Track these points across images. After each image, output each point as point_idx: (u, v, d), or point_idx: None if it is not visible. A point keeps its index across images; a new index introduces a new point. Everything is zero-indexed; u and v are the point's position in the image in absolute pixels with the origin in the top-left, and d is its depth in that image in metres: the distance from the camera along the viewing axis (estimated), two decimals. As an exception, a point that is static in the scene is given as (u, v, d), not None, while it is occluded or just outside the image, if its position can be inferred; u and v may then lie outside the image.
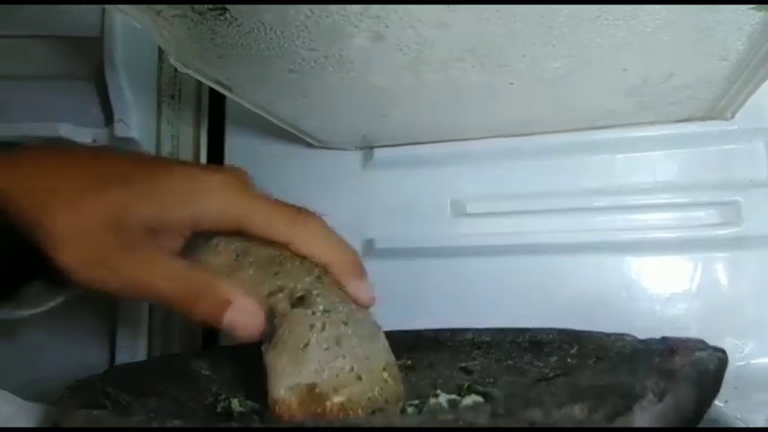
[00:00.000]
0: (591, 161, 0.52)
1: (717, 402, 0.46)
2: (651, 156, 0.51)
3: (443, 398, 0.36)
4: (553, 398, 0.21)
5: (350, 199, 0.56)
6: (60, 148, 0.37)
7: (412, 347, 0.42)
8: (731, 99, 0.44)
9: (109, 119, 0.58)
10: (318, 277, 0.33)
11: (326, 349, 0.30)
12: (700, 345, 0.29)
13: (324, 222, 0.34)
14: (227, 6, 0.31)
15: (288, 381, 0.30)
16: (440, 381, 0.40)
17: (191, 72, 0.38)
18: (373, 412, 0.30)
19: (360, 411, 0.30)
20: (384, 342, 0.33)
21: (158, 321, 0.59)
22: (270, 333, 0.31)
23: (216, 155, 0.60)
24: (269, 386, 0.31)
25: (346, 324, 0.32)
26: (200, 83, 0.43)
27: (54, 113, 0.59)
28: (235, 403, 0.36)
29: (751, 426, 0.44)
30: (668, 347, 0.30)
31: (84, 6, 0.56)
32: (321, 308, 0.31)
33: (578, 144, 0.51)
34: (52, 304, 0.44)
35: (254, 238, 0.33)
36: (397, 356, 0.42)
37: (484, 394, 0.36)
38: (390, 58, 0.37)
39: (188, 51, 0.36)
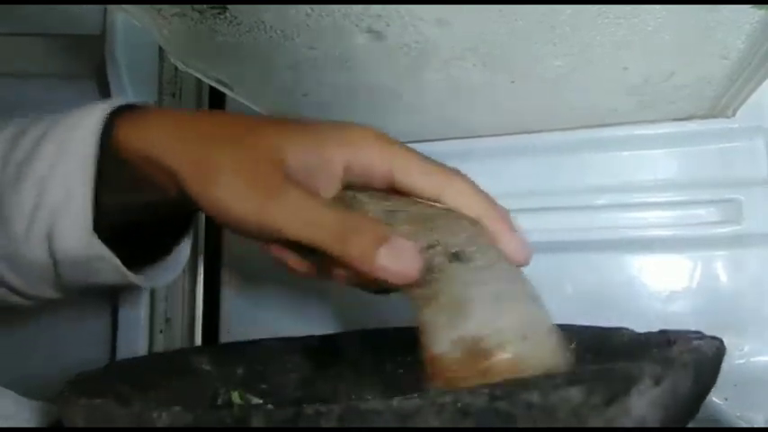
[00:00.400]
0: (592, 159, 0.52)
1: (717, 400, 0.46)
2: (652, 154, 0.51)
3: None
4: (551, 380, 0.21)
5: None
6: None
7: (412, 344, 0.42)
8: (732, 97, 0.44)
9: (110, 117, 0.58)
10: (474, 234, 0.31)
11: (489, 305, 0.28)
12: (697, 335, 0.29)
13: (471, 180, 0.33)
14: (227, 5, 0.31)
15: (450, 334, 0.27)
16: None
17: (191, 71, 0.38)
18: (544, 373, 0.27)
19: (530, 371, 0.27)
20: (544, 306, 0.30)
21: (159, 318, 0.59)
22: (427, 288, 0.29)
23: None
24: (426, 343, 0.28)
25: (507, 281, 0.30)
26: (200, 81, 0.43)
27: (55, 111, 0.59)
28: (235, 396, 0.36)
29: (752, 425, 0.44)
30: (666, 339, 0.30)
31: (86, 5, 0.56)
32: (480, 263, 0.29)
33: (579, 142, 0.51)
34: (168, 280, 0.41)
35: (401, 195, 0.32)
36: (397, 353, 0.42)
37: None
38: (391, 57, 0.37)
39: (188, 50, 0.36)
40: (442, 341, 0.28)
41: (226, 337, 0.58)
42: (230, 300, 0.58)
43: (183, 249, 0.41)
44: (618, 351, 0.33)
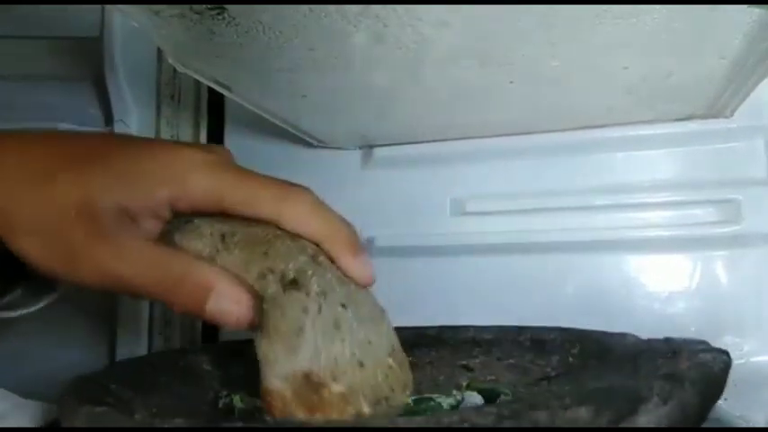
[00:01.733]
0: (590, 160, 0.52)
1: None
2: (651, 154, 0.51)
3: (444, 400, 0.36)
4: (559, 400, 0.21)
5: (350, 198, 0.56)
6: (23, 133, 0.33)
7: (413, 345, 0.42)
8: (730, 97, 0.44)
9: (108, 119, 0.58)
10: (313, 256, 0.29)
11: (323, 333, 0.27)
12: (703, 346, 0.29)
13: (315, 196, 0.31)
14: (226, 6, 0.31)
15: (282, 369, 0.27)
16: (441, 378, 0.40)
17: (189, 72, 0.38)
18: (378, 402, 0.28)
19: (362, 401, 0.27)
20: (388, 325, 0.30)
21: (159, 319, 0.59)
22: (261, 320, 0.28)
23: (215, 154, 0.60)
24: (261, 377, 0.28)
25: (345, 306, 0.29)
26: (199, 82, 0.43)
27: (53, 113, 0.59)
28: (236, 400, 0.36)
29: (751, 424, 0.44)
30: (672, 349, 0.30)
31: (84, 6, 0.56)
32: (316, 289, 0.28)
33: (578, 142, 0.51)
34: (34, 309, 0.41)
35: (238, 219, 0.30)
36: None
37: (490, 391, 0.36)
38: (390, 58, 0.37)
39: (187, 51, 0.36)
40: (274, 376, 0.27)
41: (226, 338, 0.58)
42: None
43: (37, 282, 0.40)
44: (622, 359, 0.33)
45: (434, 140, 0.53)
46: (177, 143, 0.46)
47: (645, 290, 0.51)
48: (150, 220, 0.30)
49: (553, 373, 0.37)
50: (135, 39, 0.56)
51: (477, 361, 0.40)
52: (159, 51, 0.59)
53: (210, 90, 0.47)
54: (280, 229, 0.30)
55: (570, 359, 0.37)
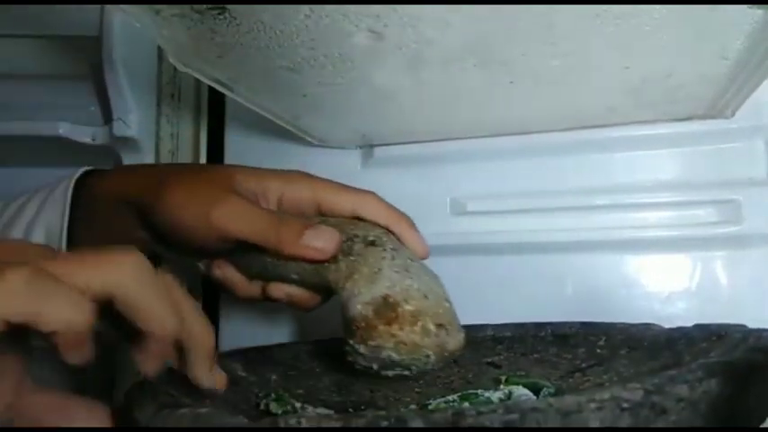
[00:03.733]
0: (591, 160, 0.52)
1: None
2: (651, 154, 0.51)
3: (492, 394, 0.36)
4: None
5: (350, 198, 0.56)
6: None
7: None
8: (731, 97, 0.44)
9: (108, 118, 0.58)
10: (386, 232, 0.39)
11: (396, 272, 0.35)
12: (742, 328, 0.30)
13: (380, 197, 0.41)
14: (227, 6, 0.31)
15: (364, 297, 0.34)
16: (470, 376, 0.40)
17: (190, 71, 0.38)
18: (440, 326, 0.34)
19: (428, 320, 0.34)
20: (442, 285, 0.37)
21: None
22: (346, 270, 0.36)
23: (216, 154, 0.60)
24: (346, 311, 0.35)
25: (412, 260, 0.37)
26: (199, 81, 0.43)
27: (53, 112, 0.59)
28: (273, 406, 0.36)
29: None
30: (713, 333, 0.31)
31: (84, 5, 0.56)
32: (390, 246, 0.37)
33: (578, 143, 0.51)
34: None
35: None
36: None
37: (531, 384, 0.36)
38: (390, 58, 0.37)
39: (187, 51, 0.36)
40: (357, 304, 0.34)
41: (225, 337, 0.58)
42: (230, 303, 0.58)
43: None
44: (655, 346, 0.34)
45: (435, 140, 0.53)
46: None
47: (645, 290, 0.51)
48: (264, 203, 0.41)
49: (584, 365, 0.37)
50: (135, 37, 0.56)
51: (502, 357, 0.40)
52: (160, 50, 0.59)
53: (211, 89, 0.47)
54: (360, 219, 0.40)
55: (597, 350, 0.37)
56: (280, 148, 0.57)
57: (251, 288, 0.42)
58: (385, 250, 0.36)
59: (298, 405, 0.36)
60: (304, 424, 0.22)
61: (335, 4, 0.30)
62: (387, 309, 0.34)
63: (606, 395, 0.21)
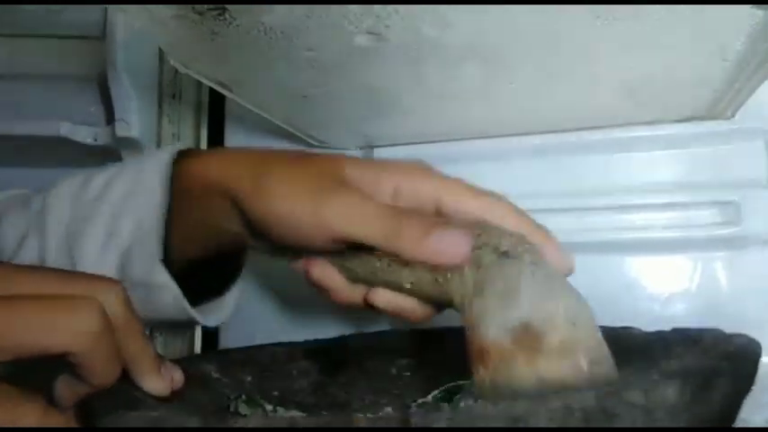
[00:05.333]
0: (590, 161, 0.52)
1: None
2: (651, 155, 0.51)
3: None
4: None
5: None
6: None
7: (415, 346, 0.42)
8: (731, 99, 0.44)
9: (110, 118, 0.58)
10: (521, 240, 0.32)
11: (538, 293, 0.29)
12: (718, 332, 0.30)
13: (511, 202, 0.35)
14: (227, 6, 0.31)
15: (498, 321, 0.28)
16: (447, 378, 0.40)
17: (190, 72, 0.38)
18: (592, 363, 0.28)
19: (579, 355, 0.27)
20: (589, 307, 0.31)
21: (159, 326, 0.59)
22: (475, 286, 0.30)
23: (216, 154, 0.60)
24: (475, 335, 0.29)
25: (554, 278, 0.30)
26: (200, 83, 0.43)
27: (55, 112, 0.59)
28: (242, 407, 0.35)
29: (751, 424, 0.44)
30: (690, 337, 0.30)
31: (87, 6, 0.56)
32: (528, 258, 0.30)
33: (578, 143, 0.51)
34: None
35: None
36: (401, 356, 0.42)
37: None
38: (390, 59, 0.37)
39: (188, 52, 0.36)
40: (492, 329, 0.28)
41: (225, 339, 0.58)
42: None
43: (234, 292, 0.43)
44: (633, 350, 0.33)
45: (435, 141, 0.53)
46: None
47: (645, 291, 0.51)
48: (379, 196, 0.35)
49: None
50: (137, 38, 0.56)
51: None
52: (161, 51, 0.59)
53: (211, 90, 0.47)
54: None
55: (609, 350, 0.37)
56: (280, 148, 0.57)
57: (352, 293, 0.36)
58: (523, 263, 0.30)
59: (269, 407, 0.35)
60: (251, 424, 0.22)
61: (336, 4, 0.31)
62: (529, 338, 0.27)
63: (557, 400, 0.21)
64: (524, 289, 0.29)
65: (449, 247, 0.30)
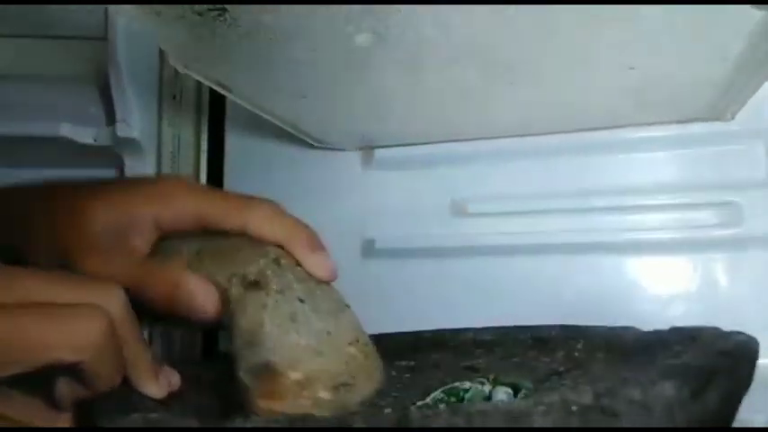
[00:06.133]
0: (591, 161, 0.52)
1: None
2: (651, 156, 0.51)
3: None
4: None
5: (350, 199, 0.56)
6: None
7: (413, 349, 0.42)
8: (731, 100, 0.44)
9: (110, 119, 0.58)
10: (275, 259, 0.32)
11: (279, 326, 0.29)
12: (717, 330, 0.30)
13: (276, 205, 0.34)
14: (227, 7, 0.31)
15: (246, 363, 0.29)
16: (448, 379, 0.40)
17: (190, 73, 0.38)
18: (336, 388, 0.29)
19: (319, 387, 0.29)
20: (351, 318, 0.32)
21: (158, 330, 0.58)
22: (229, 321, 0.31)
23: (216, 155, 0.60)
24: (233, 372, 0.30)
25: (302, 301, 0.31)
26: (200, 83, 0.43)
27: (55, 113, 0.59)
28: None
29: (751, 425, 0.44)
30: (686, 335, 0.30)
31: (88, 7, 0.56)
32: (275, 287, 0.31)
33: (578, 144, 0.51)
34: None
35: (213, 233, 0.34)
36: (400, 358, 0.42)
37: (511, 385, 0.36)
38: (390, 59, 0.37)
39: (188, 52, 0.36)
40: (240, 370, 0.29)
41: (225, 343, 0.58)
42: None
43: None
44: (631, 350, 0.34)
45: (435, 141, 0.53)
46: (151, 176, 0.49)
47: (645, 292, 0.51)
48: (141, 238, 0.34)
49: (561, 369, 0.37)
50: (138, 39, 0.56)
51: (481, 361, 0.40)
52: (161, 52, 0.59)
53: (212, 90, 0.47)
54: (248, 237, 0.33)
55: (576, 354, 0.37)
56: (280, 149, 0.57)
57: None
58: (268, 294, 0.30)
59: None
60: (249, 425, 0.22)
61: (336, 4, 0.31)
62: (268, 380, 0.28)
63: (555, 398, 0.21)
64: (267, 325, 0.29)
65: (196, 305, 0.32)
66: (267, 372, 0.28)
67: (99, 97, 0.59)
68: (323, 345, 0.30)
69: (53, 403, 0.30)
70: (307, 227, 0.34)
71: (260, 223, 0.33)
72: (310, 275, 0.32)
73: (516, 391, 0.35)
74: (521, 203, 0.52)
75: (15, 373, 0.26)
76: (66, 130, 0.58)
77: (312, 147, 0.55)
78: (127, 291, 0.31)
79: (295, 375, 0.28)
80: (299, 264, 0.33)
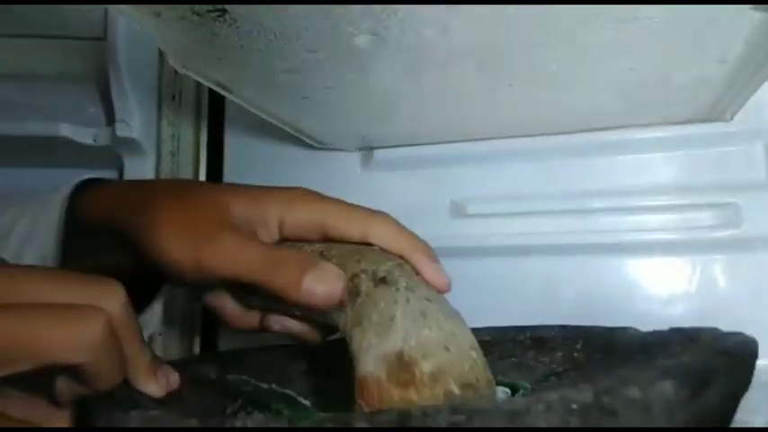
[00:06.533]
0: (590, 163, 0.52)
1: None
2: (650, 157, 0.51)
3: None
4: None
5: (350, 200, 0.55)
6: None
7: None
8: (730, 101, 0.44)
9: (110, 119, 0.58)
10: (398, 264, 0.33)
11: (412, 320, 0.30)
12: (716, 331, 0.30)
13: (395, 219, 0.36)
14: (227, 8, 0.31)
15: (375, 353, 0.29)
16: None
17: (190, 74, 0.38)
18: (465, 387, 0.29)
19: (451, 381, 0.28)
20: (466, 326, 0.32)
21: (158, 329, 0.58)
22: (354, 315, 0.31)
23: (216, 156, 0.60)
24: (355, 362, 0.30)
25: (430, 301, 0.31)
26: (200, 84, 0.43)
27: (55, 113, 0.59)
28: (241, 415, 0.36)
29: (751, 425, 0.44)
30: (687, 336, 0.31)
31: (88, 7, 0.56)
32: (404, 285, 0.31)
33: (578, 145, 0.51)
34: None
35: (334, 242, 0.36)
36: None
37: (510, 386, 0.36)
38: (390, 60, 0.37)
39: (187, 53, 0.36)
40: (368, 361, 0.29)
41: (224, 341, 0.58)
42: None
43: (151, 313, 0.46)
44: (629, 350, 0.34)
45: (434, 142, 0.53)
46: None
47: (644, 293, 0.51)
48: (265, 233, 0.36)
49: (559, 369, 0.37)
50: (138, 40, 0.56)
51: None
52: (161, 52, 0.59)
53: (211, 91, 0.47)
54: (369, 245, 0.35)
55: (575, 354, 0.37)
56: (279, 150, 0.57)
57: (248, 319, 0.38)
58: (398, 290, 0.31)
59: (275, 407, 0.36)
60: (250, 424, 0.22)
61: (336, 4, 0.31)
62: (401, 369, 0.28)
63: (555, 396, 0.21)
64: (398, 318, 0.30)
65: (323, 288, 0.32)
66: (401, 361, 0.28)
67: (99, 97, 0.60)
68: (450, 343, 0.30)
69: (53, 402, 0.30)
70: (424, 242, 0.36)
71: (382, 233, 0.35)
72: (427, 284, 0.33)
73: (515, 391, 0.35)
74: (520, 204, 0.52)
75: (15, 372, 0.26)
76: (66, 130, 0.58)
77: (311, 147, 0.55)
78: (251, 276, 0.33)
79: (428, 366, 0.28)
80: (417, 273, 0.34)
